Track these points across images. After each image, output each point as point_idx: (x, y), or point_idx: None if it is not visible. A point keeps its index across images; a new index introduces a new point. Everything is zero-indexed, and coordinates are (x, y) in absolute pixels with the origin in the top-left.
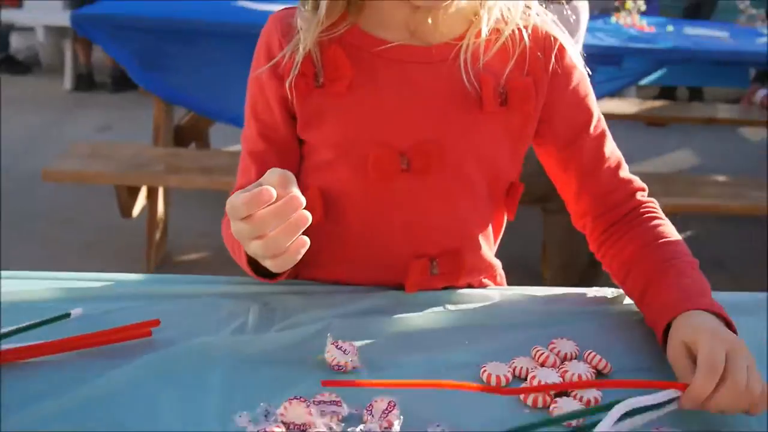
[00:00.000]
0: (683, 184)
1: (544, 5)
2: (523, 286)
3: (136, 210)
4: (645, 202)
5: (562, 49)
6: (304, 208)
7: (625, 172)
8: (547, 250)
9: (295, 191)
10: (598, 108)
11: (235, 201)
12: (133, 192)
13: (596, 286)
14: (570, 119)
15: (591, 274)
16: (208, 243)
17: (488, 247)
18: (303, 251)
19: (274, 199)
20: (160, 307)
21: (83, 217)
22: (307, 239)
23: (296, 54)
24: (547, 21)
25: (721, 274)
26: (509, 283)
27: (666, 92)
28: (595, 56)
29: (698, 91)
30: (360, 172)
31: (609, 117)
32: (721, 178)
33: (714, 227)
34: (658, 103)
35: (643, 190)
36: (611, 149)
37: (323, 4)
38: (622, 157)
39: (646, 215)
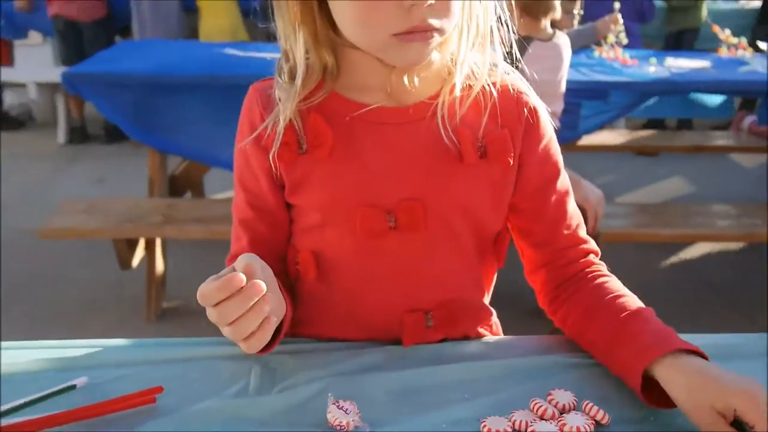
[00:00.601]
0: (679, 213)
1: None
2: (519, 336)
3: (135, 261)
4: (598, 264)
5: (533, 107)
6: (298, 268)
7: (583, 232)
8: None
9: (257, 280)
10: (563, 168)
11: (206, 289)
12: (132, 244)
13: None
14: (540, 171)
15: None
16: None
17: (481, 296)
18: (271, 330)
19: (242, 285)
20: (162, 373)
21: (82, 272)
22: (273, 318)
23: (277, 125)
24: (515, 79)
25: (720, 302)
26: (510, 318)
27: (654, 121)
28: (580, 91)
29: (687, 119)
30: (349, 232)
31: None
32: (719, 206)
33: (712, 254)
34: (647, 133)
35: (597, 254)
36: (573, 208)
37: (299, 75)
38: (582, 218)
39: (600, 275)
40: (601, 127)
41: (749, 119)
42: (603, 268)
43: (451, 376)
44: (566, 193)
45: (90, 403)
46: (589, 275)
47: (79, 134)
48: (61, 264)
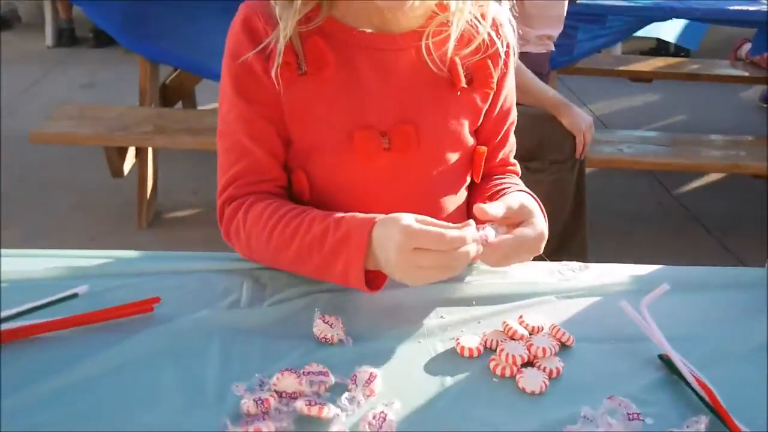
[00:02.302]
0: (667, 142)
1: None
2: None
3: (126, 169)
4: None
5: (507, 41)
6: (293, 189)
7: (513, 157)
8: None
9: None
10: None
11: (447, 236)
12: (123, 152)
13: (577, 245)
14: (505, 99)
15: (571, 230)
16: (197, 200)
17: (460, 212)
18: None
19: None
20: (160, 284)
21: (73, 178)
22: None
23: (278, 43)
24: (499, 11)
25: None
26: None
27: (653, 49)
28: (579, 14)
29: (686, 48)
30: (344, 153)
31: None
32: (707, 136)
33: (698, 184)
34: (643, 59)
35: (517, 174)
36: (513, 136)
37: None
38: (515, 144)
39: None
40: (597, 51)
41: (747, 47)
42: (516, 178)
43: (429, 297)
44: (514, 122)
45: (90, 310)
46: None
47: (67, 36)
48: (52, 169)
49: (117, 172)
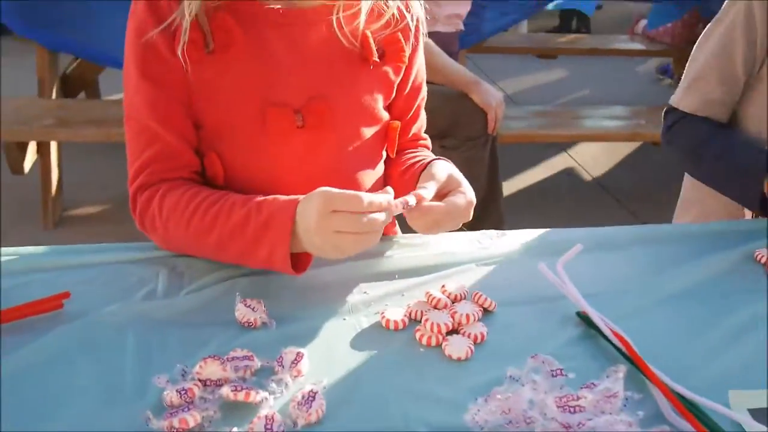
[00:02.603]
0: (573, 115)
1: None
2: (414, 234)
3: (27, 165)
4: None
5: (416, 15)
6: (207, 174)
7: (424, 132)
8: None
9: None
10: None
11: (364, 198)
12: (23, 147)
13: (494, 216)
14: (417, 74)
15: (486, 205)
16: (106, 196)
17: (377, 189)
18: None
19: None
20: (69, 278)
21: None
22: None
23: (183, 21)
24: None
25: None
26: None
27: (557, 27)
28: None
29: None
30: (257, 132)
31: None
32: (610, 108)
33: (603, 154)
34: (548, 36)
35: (428, 147)
36: (424, 112)
37: None
38: (425, 120)
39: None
40: (504, 29)
41: (643, 23)
42: (426, 151)
43: (351, 274)
44: (425, 98)
45: None
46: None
47: None
48: None
49: (17, 168)
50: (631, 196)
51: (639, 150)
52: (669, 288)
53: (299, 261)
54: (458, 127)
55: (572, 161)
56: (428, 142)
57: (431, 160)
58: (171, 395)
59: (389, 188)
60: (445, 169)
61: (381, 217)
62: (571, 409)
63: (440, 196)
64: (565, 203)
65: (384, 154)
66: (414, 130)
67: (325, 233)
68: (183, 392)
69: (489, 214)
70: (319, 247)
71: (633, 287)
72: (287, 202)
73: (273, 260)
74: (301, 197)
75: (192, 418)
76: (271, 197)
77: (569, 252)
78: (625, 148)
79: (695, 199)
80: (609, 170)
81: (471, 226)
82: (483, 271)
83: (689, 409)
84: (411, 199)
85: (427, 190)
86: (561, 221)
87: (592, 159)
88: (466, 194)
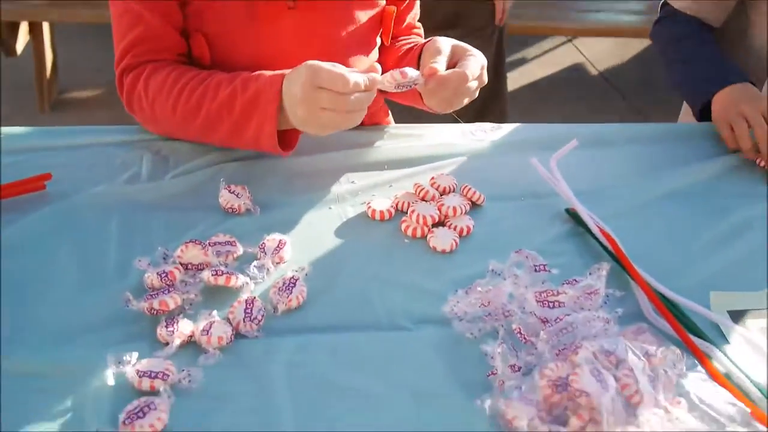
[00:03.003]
0: (584, 7)
1: None
2: (411, 124)
3: (20, 47)
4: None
5: None
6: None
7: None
8: None
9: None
10: None
11: (348, 76)
12: (14, 28)
13: (497, 112)
14: None
15: (490, 100)
16: (101, 78)
17: None
18: None
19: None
20: (53, 160)
21: None
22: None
23: None
24: None
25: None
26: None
27: None
28: None
29: None
30: (245, 12)
31: None
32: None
33: (614, 50)
34: None
35: (421, 36)
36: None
37: None
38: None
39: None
40: None
41: None
42: (419, 39)
43: (337, 162)
44: None
45: None
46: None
47: None
48: None
49: (10, 50)
50: (639, 93)
51: (650, 47)
52: (663, 188)
53: (287, 141)
54: (463, 18)
55: (580, 56)
56: (421, 31)
57: (429, 39)
58: (152, 278)
59: (377, 65)
60: (447, 41)
61: (366, 96)
62: (550, 304)
63: (450, 66)
64: (570, 99)
65: (378, 41)
66: (408, 19)
67: (310, 108)
68: (164, 275)
69: (491, 111)
70: (302, 119)
71: (626, 186)
72: (273, 77)
73: (260, 138)
74: (287, 71)
75: (172, 301)
76: (257, 73)
77: (563, 148)
78: (636, 45)
79: None
80: (617, 65)
81: (473, 120)
82: (475, 164)
83: (669, 308)
84: (411, 71)
85: (438, 63)
86: (565, 117)
87: (601, 54)
88: (477, 56)
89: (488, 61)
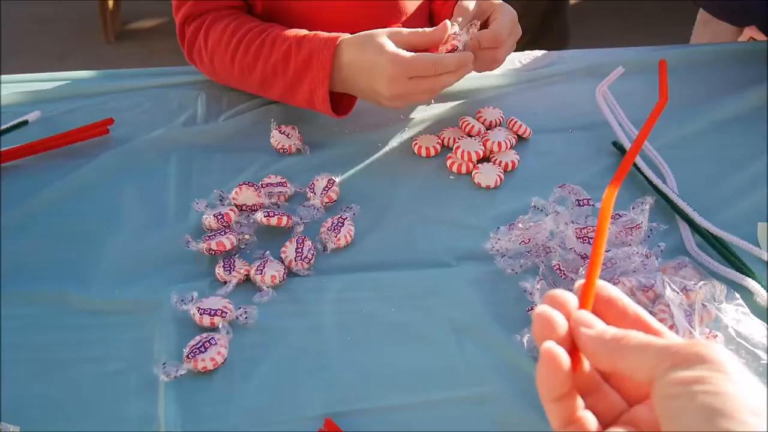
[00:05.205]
0: None
1: None
2: None
3: None
4: None
5: None
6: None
7: None
8: None
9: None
10: None
11: (437, 61)
12: None
13: (558, 29)
14: None
15: (551, 13)
16: (162, 7)
17: (422, 14)
18: None
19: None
20: (114, 104)
21: None
22: None
23: None
24: None
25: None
26: None
27: None
28: None
29: None
30: None
31: None
32: None
33: None
34: None
35: None
36: None
37: None
38: None
39: None
40: None
41: None
42: None
43: None
44: None
45: (45, 136)
46: None
47: None
48: None
49: None
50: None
51: None
52: (714, 116)
53: (343, 105)
54: None
55: None
56: None
57: None
58: (209, 219)
59: (447, 22)
60: None
61: (449, 76)
62: (590, 240)
63: (483, 24)
64: (639, 12)
65: None
66: None
67: (399, 99)
68: (220, 217)
69: (553, 26)
70: (386, 106)
71: (677, 114)
72: (327, 39)
73: (313, 100)
74: (343, 36)
75: (228, 241)
76: (312, 33)
77: (609, 76)
78: None
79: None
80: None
81: (533, 40)
82: (522, 96)
83: (712, 243)
84: (462, 36)
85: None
86: (633, 33)
87: None
88: (505, 11)
89: None
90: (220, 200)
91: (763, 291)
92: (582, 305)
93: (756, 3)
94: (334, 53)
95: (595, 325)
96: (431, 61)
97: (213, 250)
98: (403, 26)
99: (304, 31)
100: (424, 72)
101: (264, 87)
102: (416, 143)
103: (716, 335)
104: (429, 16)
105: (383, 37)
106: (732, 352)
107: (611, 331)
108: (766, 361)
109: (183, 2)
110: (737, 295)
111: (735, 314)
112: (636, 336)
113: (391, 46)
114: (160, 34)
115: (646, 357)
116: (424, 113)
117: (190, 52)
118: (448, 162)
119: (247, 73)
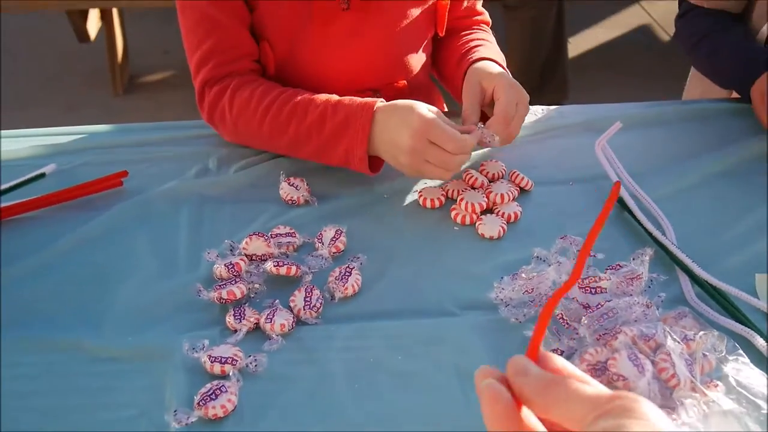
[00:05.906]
0: None
1: None
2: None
3: (92, 32)
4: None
5: None
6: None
7: (480, 6)
8: (510, 45)
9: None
10: None
11: (460, 141)
12: (84, 15)
13: (558, 80)
14: None
15: (551, 67)
16: (170, 61)
17: (425, 70)
18: None
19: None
20: (128, 157)
21: (41, 46)
22: None
23: None
24: None
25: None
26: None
27: None
28: None
29: None
30: (303, 15)
31: None
32: None
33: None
34: None
35: (488, 23)
36: None
37: None
38: None
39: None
40: None
41: None
42: (483, 32)
43: None
44: None
45: (60, 188)
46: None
47: None
48: (15, 39)
49: (83, 36)
50: (643, 73)
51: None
52: (711, 168)
53: (374, 162)
54: None
55: (648, 17)
56: (485, 17)
57: (478, 48)
58: (220, 269)
59: (481, 125)
60: (476, 76)
61: (464, 159)
62: (592, 290)
63: (488, 100)
64: (637, 64)
65: (430, 34)
66: (467, 3)
67: (416, 158)
68: (230, 266)
69: (553, 79)
70: (402, 164)
71: (675, 167)
72: (365, 104)
73: (350, 159)
74: (378, 102)
75: (238, 290)
76: (346, 98)
77: (608, 131)
78: None
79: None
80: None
81: (533, 92)
82: (524, 150)
83: (711, 294)
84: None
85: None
86: (630, 86)
87: (671, 15)
88: (506, 88)
89: (549, 27)
90: (231, 250)
91: (762, 341)
92: (528, 354)
93: (735, 72)
94: (372, 116)
95: (530, 371)
96: (453, 134)
97: (224, 299)
98: (408, 82)
99: (336, 97)
100: (443, 141)
101: (294, 147)
102: (421, 195)
103: (717, 384)
104: (433, 71)
105: (421, 103)
106: (733, 401)
107: (546, 378)
108: (766, 411)
109: (202, 66)
110: (737, 346)
111: (735, 364)
112: (568, 385)
113: (424, 108)
114: (166, 87)
115: (576, 407)
116: None
117: (211, 114)
118: (453, 213)
119: (277, 135)
